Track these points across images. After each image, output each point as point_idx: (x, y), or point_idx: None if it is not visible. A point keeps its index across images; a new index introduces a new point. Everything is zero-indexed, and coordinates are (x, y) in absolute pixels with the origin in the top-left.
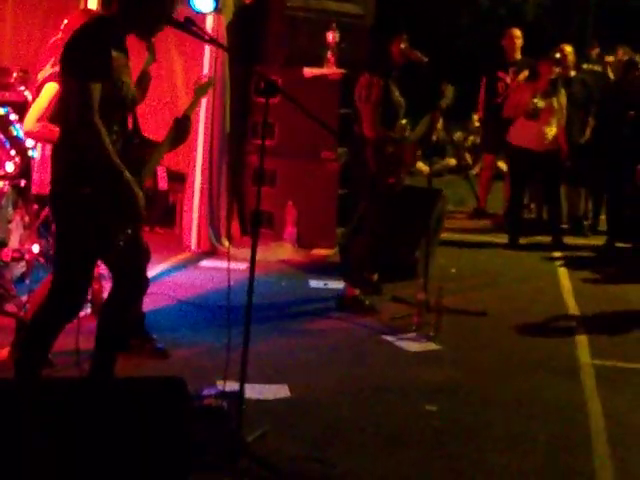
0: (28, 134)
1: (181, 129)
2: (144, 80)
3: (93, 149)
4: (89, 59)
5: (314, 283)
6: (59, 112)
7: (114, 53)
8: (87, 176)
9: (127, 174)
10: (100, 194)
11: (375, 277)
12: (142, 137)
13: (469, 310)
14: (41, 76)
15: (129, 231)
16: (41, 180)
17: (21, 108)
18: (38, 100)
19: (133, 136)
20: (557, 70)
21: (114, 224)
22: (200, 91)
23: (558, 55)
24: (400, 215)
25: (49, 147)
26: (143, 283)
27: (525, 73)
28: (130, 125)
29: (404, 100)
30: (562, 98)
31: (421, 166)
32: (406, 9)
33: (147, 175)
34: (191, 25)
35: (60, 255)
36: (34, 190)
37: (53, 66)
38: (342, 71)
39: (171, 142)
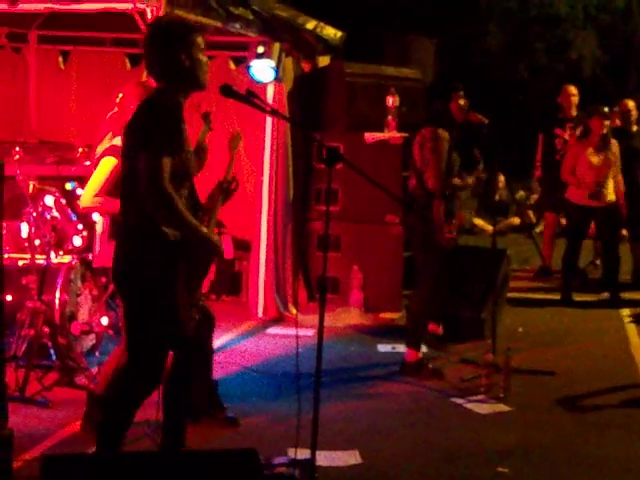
0: (85, 208)
1: (225, 192)
2: (201, 151)
3: (169, 215)
4: (162, 134)
5: (382, 347)
6: (122, 187)
7: (183, 123)
8: (155, 250)
9: (204, 227)
10: (170, 267)
11: (440, 329)
12: (200, 204)
13: (537, 370)
14: (99, 150)
15: (200, 302)
16: (102, 253)
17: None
18: (95, 174)
19: (193, 205)
20: (607, 123)
21: (188, 297)
22: (233, 146)
23: (606, 109)
24: (465, 276)
25: (107, 220)
26: (207, 351)
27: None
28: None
29: (459, 159)
30: (614, 148)
31: (485, 225)
32: (464, 69)
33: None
34: (252, 97)
35: (132, 333)
36: (96, 264)
37: (110, 140)
38: (403, 135)
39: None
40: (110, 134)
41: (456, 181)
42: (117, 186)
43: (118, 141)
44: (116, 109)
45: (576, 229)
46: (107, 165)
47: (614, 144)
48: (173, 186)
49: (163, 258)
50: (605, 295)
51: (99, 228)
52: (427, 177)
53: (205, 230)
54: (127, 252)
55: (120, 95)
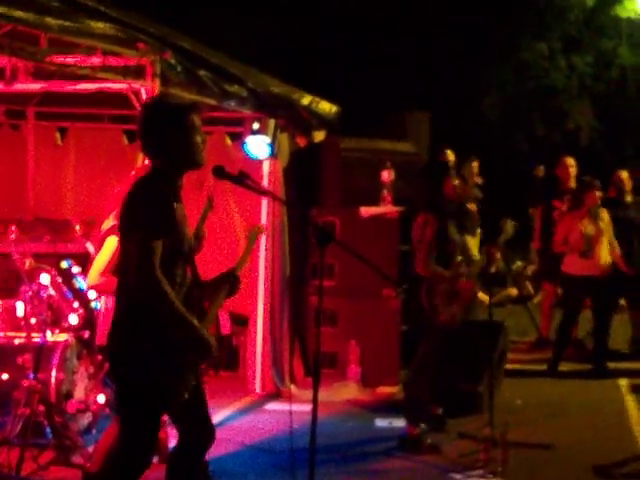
0: (92, 287)
1: (233, 284)
2: (198, 237)
3: (158, 304)
4: (151, 216)
5: (380, 422)
6: (119, 266)
7: (174, 205)
8: (147, 332)
9: (195, 321)
10: (163, 349)
11: (439, 410)
12: (201, 286)
13: (536, 443)
14: (104, 227)
15: (193, 382)
16: (104, 332)
17: (83, 260)
18: (100, 253)
19: (193, 286)
20: (599, 195)
21: (178, 377)
22: (252, 240)
23: (597, 182)
24: (462, 349)
25: (111, 299)
26: (210, 432)
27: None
28: (190, 274)
29: (460, 236)
30: (604, 216)
31: (482, 297)
32: (459, 141)
33: (208, 324)
34: (245, 178)
35: (125, 413)
36: (98, 341)
37: (114, 218)
38: (399, 209)
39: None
40: (114, 213)
41: (458, 260)
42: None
43: None
44: (120, 187)
45: (572, 300)
46: (111, 244)
47: (603, 211)
48: (165, 266)
49: (154, 339)
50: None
51: (103, 306)
52: (416, 261)
53: (195, 323)
54: (122, 332)
55: (132, 173)
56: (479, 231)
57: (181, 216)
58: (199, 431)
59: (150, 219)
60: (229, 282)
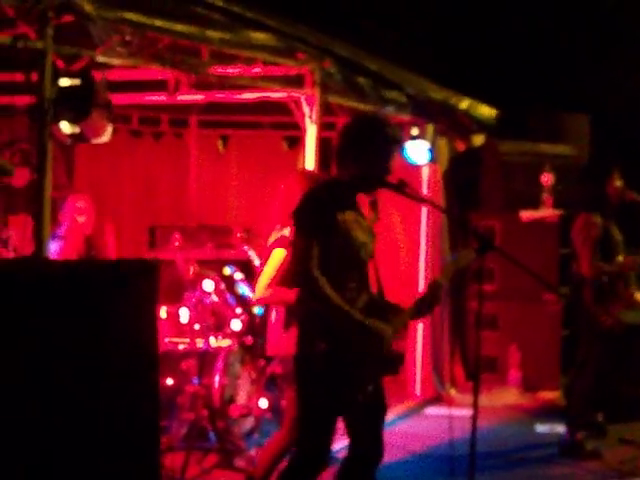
0: (260, 301)
1: (434, 294)
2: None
3: (319, 301)
4: (311, 218)
5: (540, 428)
6: (294, 275)
7: (343, 212)
8: (320, 332)
9: (359, 314)
10: (337, 350)
11: (600, 417)
12: (386, 300)
13: None
14: (271, 240)
15: (370, 387)
16: (276, 342)
17: (245, 267)
18: (267, 265)
19: (376, 296)
20: None
21: (355, 380)
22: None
23: None
24: (625, 353)
25: (280, 310)
26: (381, 449)
27: None
28: (373, 283)
29: (622, 237)
30: None
31: None
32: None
33: (398, 327)
34: (404, 187)
35: (302, 416)
36: (269, 352)
37: (279, 231)
38: (559, 213)
39: (419, 308)
40: (278, 226)
41: (619, 259)
42: (287, 276)
43: (286, 232)
44: (279, 202)
45: None
46: (277, 257)
47: None
48: (337, 269)
49: (332, 341)
50: None
51: (273, 318)
52: (580, 263)
53: (360, 316)
54: (300, 333)
55: (282, 186)
56: None
57: (350, 221)
58: (371, 446)
59: (309, 220)
60: (429, 291)
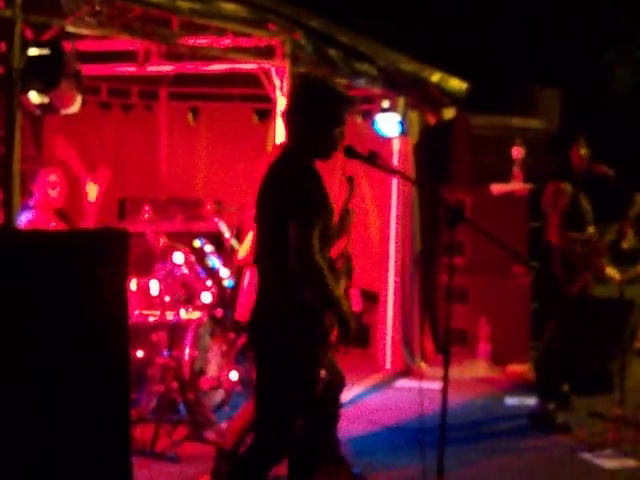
0: (243, 260)
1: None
2: (347, 215)
3: (316, 287)
4: (311, 198)
5: (510, 400)
6: (259, 245)
7: (324, 186)
8: (292, 311)
9: (345, 304)
10: (307, 328)
11: (565, 388)
12: (336, 268)
13: None
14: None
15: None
16: (243, 307)
17: (215, 239)
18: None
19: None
20: None
21: (320, 356)
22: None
23: None
24: (593, 327)
25: (253, 273)
26: (337, 411)
27: None
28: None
29: (591, 208)
30: None
31: (613, 273)
32: (592, 117)
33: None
34: (375, 158)
35: (264, 391)
36: (238, 316)
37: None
38: (529, 186)
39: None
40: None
41: (590, 230)
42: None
43: None
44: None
45: None
46: None
47: None
48: (319, 247)
49: (302, 319)
50: None
51: (246, 281)
52: (548, 231)
53: (345, 307)
54: (267, 311)
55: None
56: None
57: (329, 197)
58: (326, 409)
59: (306, 203)
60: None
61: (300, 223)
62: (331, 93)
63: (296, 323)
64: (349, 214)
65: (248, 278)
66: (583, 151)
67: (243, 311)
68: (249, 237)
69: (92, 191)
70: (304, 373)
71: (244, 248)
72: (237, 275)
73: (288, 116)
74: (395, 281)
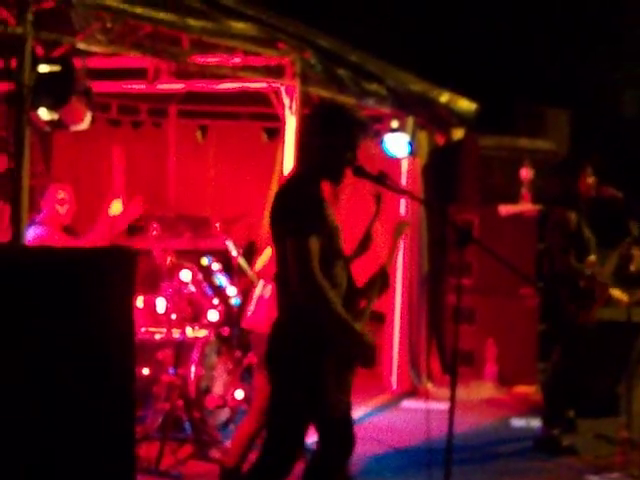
0: (260, 273)
1: (383, 281)
2: (368, 239)
3: (321, 309)
4: (302, 216)
5: (516, 422)
6: (278, 270)
7: (325, 204)
8: (307, 335)
9: (357, 325)
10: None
11: (571, 414)
12: (357, 288)
13: None
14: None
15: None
16: (257, 316)
17: (223, 257)
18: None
19: (350, 286)
20: None
21: (338, 381)
22: (398, 233)
23: None
24: (599, 350)
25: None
26: (352, 440)
27: None
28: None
29: (594, 236)
30: None
31: (620, 295)
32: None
33: (365, 323)
34: (385, 179)
35: (277, 416)
36: (245, 324)
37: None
38: (538, 207)
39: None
40: None
41: (591, 259)
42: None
43: None
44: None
45: None
46: None
47: None
48: (325, 266)
49: (311, 342)
50: None
51: (267, 293)
52: (555, 260)
53: (355, 326)
54: (282, 332)
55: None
56: None
57: (331, 214)
58: (342, 437)
59: (302, 218)
60: (380, 279)
61: (295, 237)
62: (351, 119)
63: (311, 343)
64: (370, 236)
65: (261, 288)
66: (590, 180)
67: (251, 320)
68: (267, 251)
69: (116, 208)
70: (316, 390)
71: (262, 260)
72: (245, 291)
73: (304, 139)
74: (402, 301)
